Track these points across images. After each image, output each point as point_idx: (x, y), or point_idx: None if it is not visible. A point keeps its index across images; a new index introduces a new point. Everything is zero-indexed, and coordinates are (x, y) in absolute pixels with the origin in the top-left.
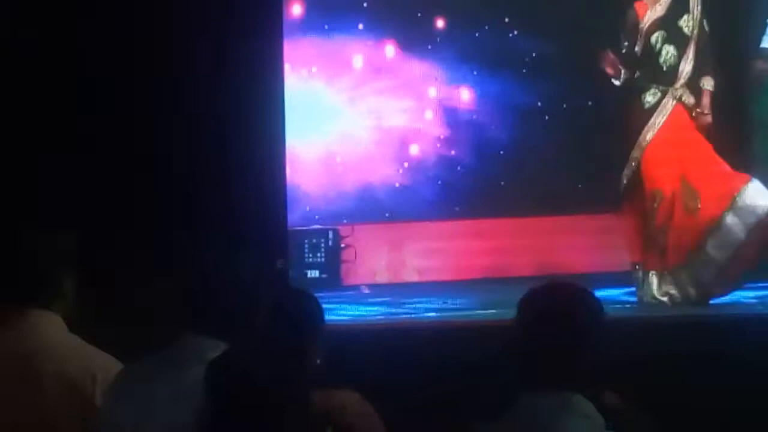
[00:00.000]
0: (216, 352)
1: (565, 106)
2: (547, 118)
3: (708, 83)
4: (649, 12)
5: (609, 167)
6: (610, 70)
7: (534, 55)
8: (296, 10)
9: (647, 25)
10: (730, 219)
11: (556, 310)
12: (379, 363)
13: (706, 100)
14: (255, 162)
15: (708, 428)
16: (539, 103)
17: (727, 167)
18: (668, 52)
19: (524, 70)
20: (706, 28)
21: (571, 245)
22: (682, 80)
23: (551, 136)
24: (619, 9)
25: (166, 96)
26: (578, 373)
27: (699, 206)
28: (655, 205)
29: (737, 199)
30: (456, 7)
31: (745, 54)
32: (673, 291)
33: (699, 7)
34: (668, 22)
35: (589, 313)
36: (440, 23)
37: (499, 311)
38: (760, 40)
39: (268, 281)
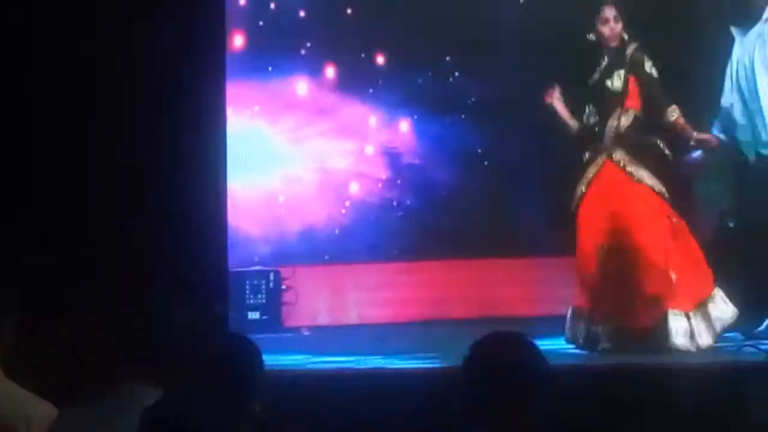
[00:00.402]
0: (154, 399)
1: (506, 150)
2: (486, 163)
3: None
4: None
5: (549, 213)
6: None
7: (473, 99)
8: (238, 41)
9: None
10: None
11: (503, 365)
12: (321, 409)
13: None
14: (196, 205)
15: None
16: (479, 149)
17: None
18: (590, 110)
19: (464, 115)
20: (644, 85)
21: (511, 289)
22: (610, 138)
23: (491, 181)
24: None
25: (108, 138)
26: (523, 423)
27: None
28: (589, 257)
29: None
30: (398, 48)
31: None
32: (605, 342)
33: (639, 65)
34: (598, 83)
35: (534, 367)
36: (382, 65)
37: (439, 354)
38: None
39: (206, 326)
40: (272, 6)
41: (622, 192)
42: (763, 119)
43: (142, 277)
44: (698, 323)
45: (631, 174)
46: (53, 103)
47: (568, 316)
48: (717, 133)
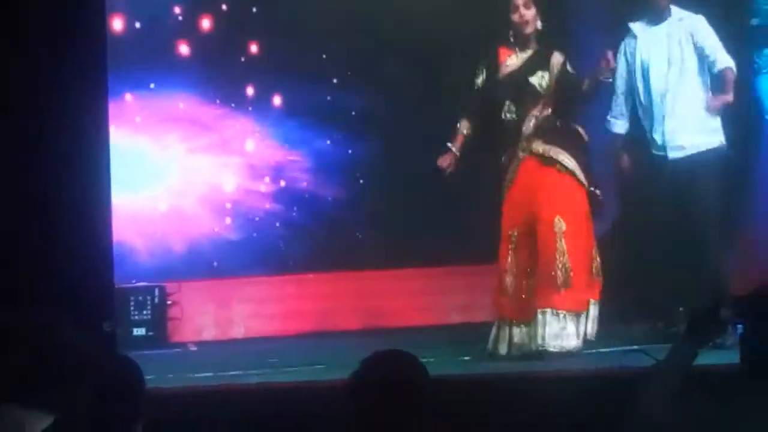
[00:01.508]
0: (39, 424)
1: (390, 162)
2: (370, 175)
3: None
4: (507, 60)
5: (439, 224)
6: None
7: (354, 112)
8: (117, 25)
9: (502, 75)
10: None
11: (396, 381)
12: (207, 425)
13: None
14: (80, 222)
15: None
16: (365, 161)
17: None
18: (509, 106)
19: (355, 124)
20: (568, 87)
21: (398, 299)
22: (525, 137)
23: (375, 193)
24: (481, 52)
25: None
26: None
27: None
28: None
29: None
30: (280, 62)
31: None
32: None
33: (560, 67)
34: (521, 76)
35: (419, 384)
36: (261, 79)
37: (327, 367)
38: None
39: (94, 346)
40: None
41: (545, 182)
42: (654, 120)
43: (25, 298)
44: (579, 325)
45: (552, 159)
46: None
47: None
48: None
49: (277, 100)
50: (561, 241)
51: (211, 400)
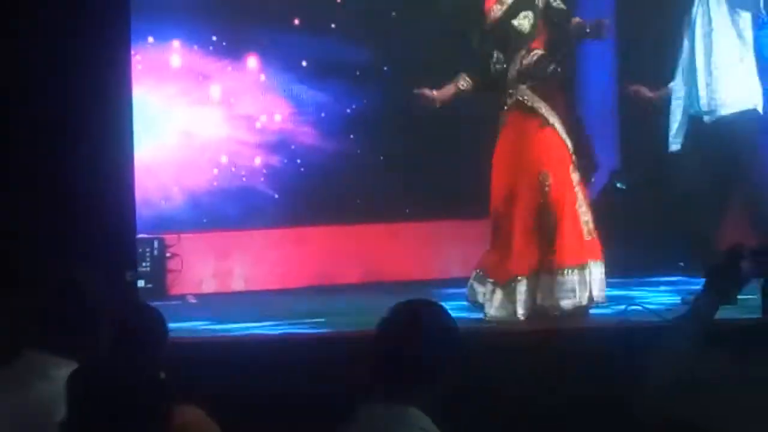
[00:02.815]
0: (62, 368)
1: (396, 113)
2: (367, 126)
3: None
4: (493, 7)
5: (437, 176)
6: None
7: (355, 63)
8: None
9: (487, 25)
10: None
11: (411, 329)
12: (220, 377)
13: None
14: (102, 170)
15: None
16: (367, 111)
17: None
18: (497, 56)
19: (355, 77)
20: (553, 26)
21: (398, 252)
22: (511, 82)
23: (375, 144)
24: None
25: (10, 101)
26: (422, 388)
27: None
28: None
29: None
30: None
31: None
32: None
33: (543, 3)
34: (504, 21)
35: (442, 330)
36: (261, 31)
37: (328, 319)
38: None
39: (116, 295)
40: None
41: (529, 137)
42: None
43: (48, 246)
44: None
45: (536, 111)
46: None
47: (477, 278)
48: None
49: (275, 53)
50: (546, 198)
51: (210, 350)
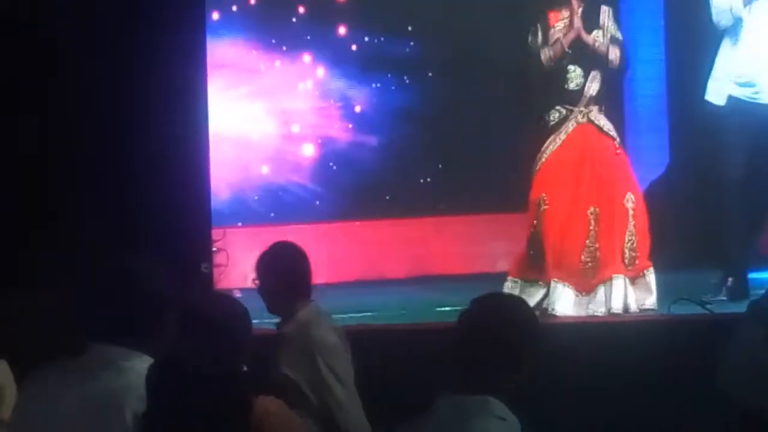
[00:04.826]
0: (128, 360)
1: (451, 110)
2: (413, 122)
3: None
4: (560, 23)
5: (492, 172)
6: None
7: (406, 58)
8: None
9: (555, 37)
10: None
11: (495, 320)
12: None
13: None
14: (177, 162)
15: None
16: (424, 107)
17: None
18: (574, 70)
19: (390, 74)
20: (618, 44)
21: (444, 247)
22: (586, 101)
23: (428, 139)
24: (531, 14)
25: (83, 92)
26: (503, 378)
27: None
28: (537, 221)
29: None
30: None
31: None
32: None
33: (611, 22)
34: (578, 37)
35: (523, 321)
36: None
37: (375, 314)
38: None
39: (193, 286)
40: None
41: (598, 153)
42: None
43: (124, 236)
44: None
45: (606, 132)
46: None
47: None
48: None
49: (324, 49)
50: (630, 219)
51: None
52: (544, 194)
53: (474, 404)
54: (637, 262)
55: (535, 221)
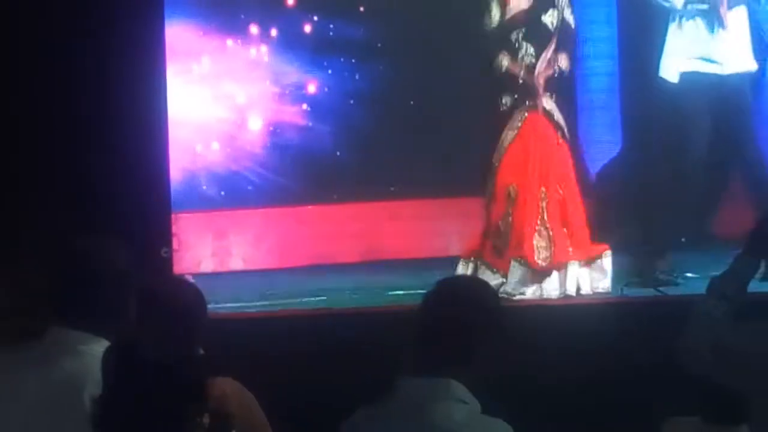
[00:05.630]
0: (86, 344)
1: (404, 93)
2: (363, 106)
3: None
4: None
5: (445, 156)
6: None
7: (364, 38)
8: None
9: (509, 15)
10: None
11: (459, 301)
12: (256, 352)
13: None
14: (138, 151)
15: None
16: (376, 91)
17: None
18: (527, 50)
19: (355, 55)
20: (571, 25)
21: (397, 231)
22: (538, 86)
23: (381, 123)
24: None
25: (39, 77)
26: (462, 359)
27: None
28: (504, 206)
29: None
30: None
31: None
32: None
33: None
34: (532, 16)
35: (485, 305)
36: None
37: (328, 298)
38: None
39: (151, 271)
40: None
41: (548, 145)
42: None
43: (83, 220)
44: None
45: (556, 122)
46: None
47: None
48: None
49: (274, 30)
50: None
51: (256, 326)
52: (514, 184)
53: (436, 387)
54: (570, 251)
55: (509, 209)
